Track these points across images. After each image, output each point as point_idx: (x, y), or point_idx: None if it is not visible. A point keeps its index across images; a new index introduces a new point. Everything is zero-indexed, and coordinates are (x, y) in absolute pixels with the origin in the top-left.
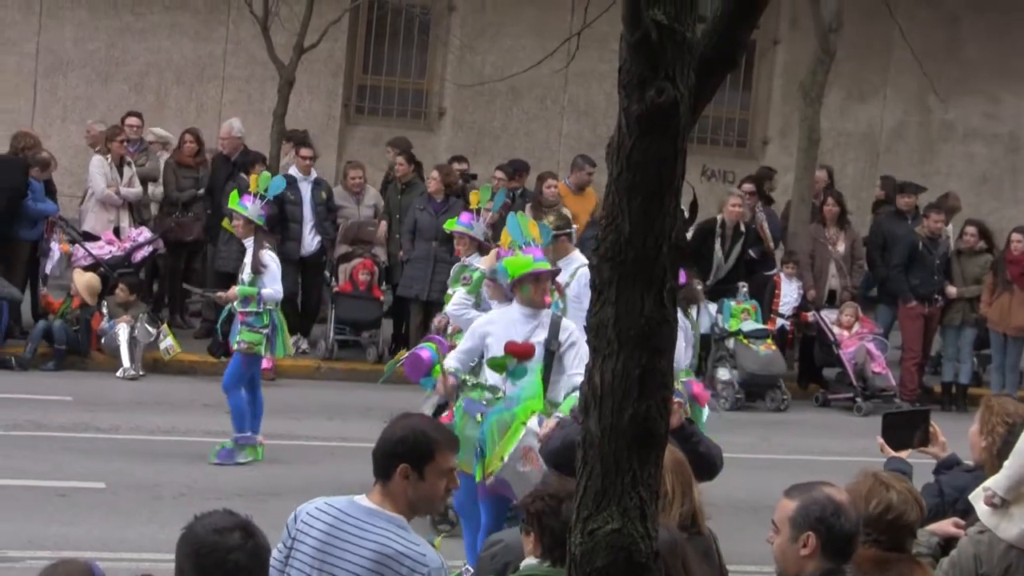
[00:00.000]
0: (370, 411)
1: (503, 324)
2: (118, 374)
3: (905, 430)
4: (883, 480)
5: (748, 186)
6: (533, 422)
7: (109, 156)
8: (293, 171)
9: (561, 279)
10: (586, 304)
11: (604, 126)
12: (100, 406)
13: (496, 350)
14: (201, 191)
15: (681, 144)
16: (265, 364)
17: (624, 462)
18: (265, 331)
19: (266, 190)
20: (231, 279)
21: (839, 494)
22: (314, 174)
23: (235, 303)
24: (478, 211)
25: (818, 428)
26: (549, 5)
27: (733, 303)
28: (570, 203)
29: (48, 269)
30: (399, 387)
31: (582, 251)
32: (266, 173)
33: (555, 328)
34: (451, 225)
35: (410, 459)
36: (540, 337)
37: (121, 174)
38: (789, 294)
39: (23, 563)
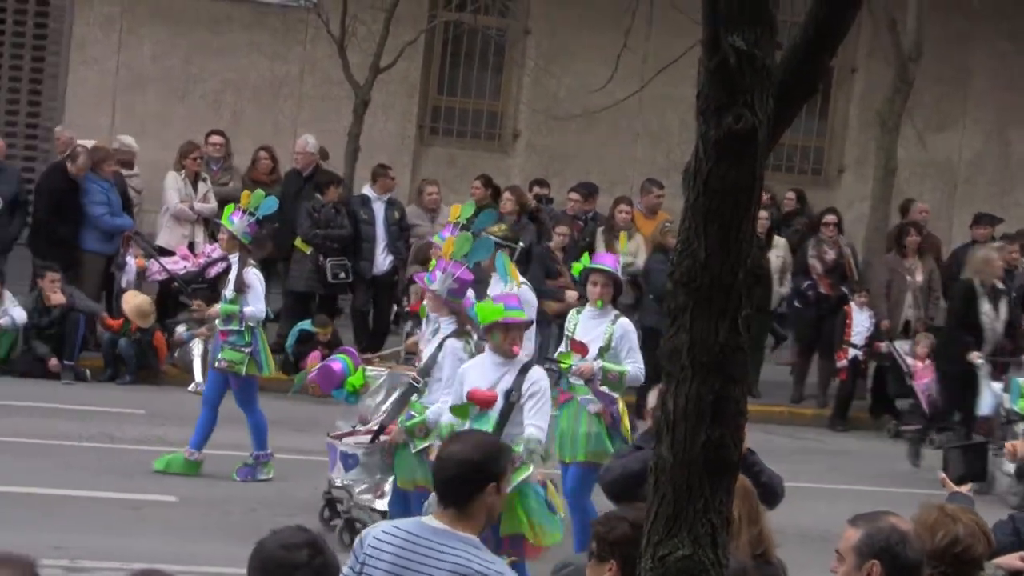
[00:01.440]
0: None
1: (476, 370)
2: (190, 388)
3: (964, 464)
4: (949, 512)
5: (831, 217)
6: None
7: (183, 172)
8: (367, 191)
9: (492, 292)
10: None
11: (677, 151)
12: (172, 420)
13: (462, 396)
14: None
15: (759, 171)
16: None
17: (696, 488)
18: (247, 350)
19: (256, 208)
20: (303, 299)
21: (904, 524)
22: (387, 194)
23: (217, 321)
24: (457, 225)
25: (889, 458)
26: (623, 29)
27: (1022, 380)
28: (642, 226)
29: (124, 283)
30: (306, 399)
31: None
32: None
33: (520, 378)
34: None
35: (497, 477)
36: (505, 385)
37: (196, 190)
38: (861, 323)
39: (95, 574)
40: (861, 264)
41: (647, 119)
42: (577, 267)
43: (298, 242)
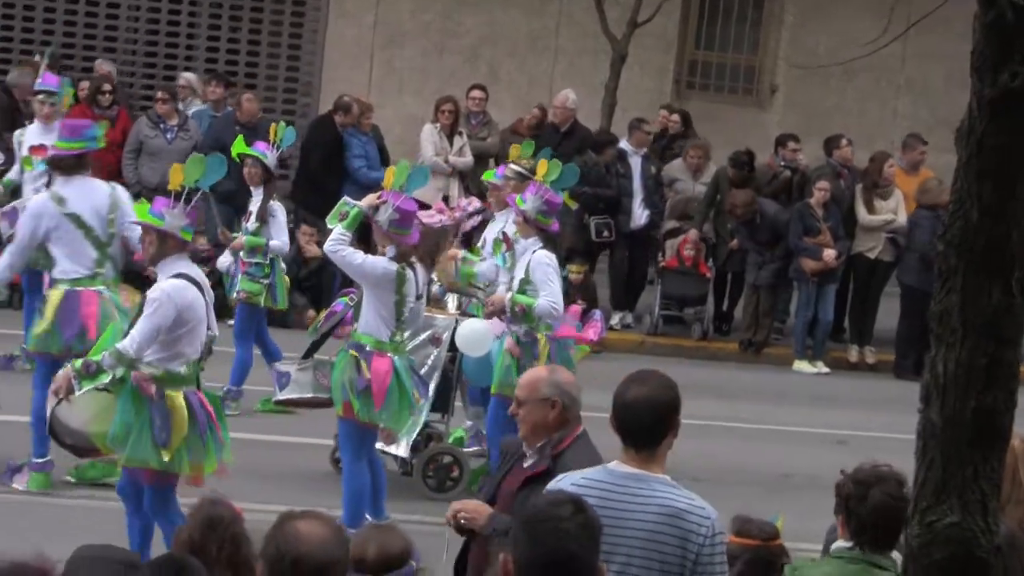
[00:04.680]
0: (691, 388)
1: None
2: None
3: None
4: None
5: None
6: None
7: (439, 125)
8: (624, 145)
9: (508, 230)
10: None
11: (942, 107)
12: None
13: None
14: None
15: None
16: (592, 335)
17: (966, 455)
18: (266, 281)
19: (281, 140)
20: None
21: None
22: (644, 149)
23: (241, 253)
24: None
25: None
26: None
27: None
28: (902, 183)
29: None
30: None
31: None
32: (282, 123)
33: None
34: (488, 176)
35: (678, 412)
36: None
37: (451, 143)
38: None
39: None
40: None
41: (910, 73)
42: (487, 174)
43: (565, 197)
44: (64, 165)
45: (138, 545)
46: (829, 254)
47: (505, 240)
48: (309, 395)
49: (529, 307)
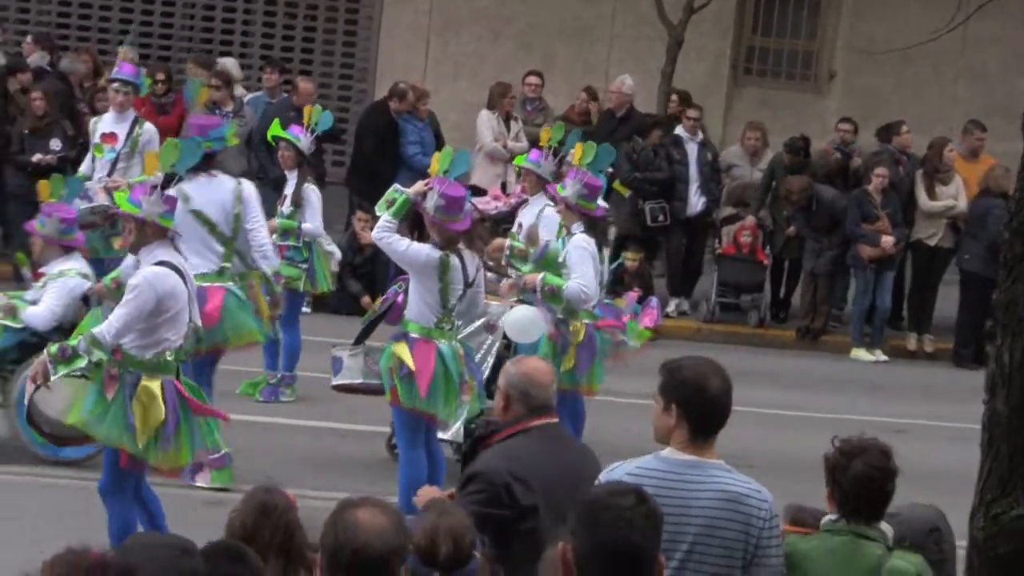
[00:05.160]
0: (747, 376)
1: None
2: None
3: None
4: None
5: None
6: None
7: (496, 112)
8: (680, 131)
9: (526, 220)
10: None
11: (1000, 92)
12: None
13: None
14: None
15: None
16: (648, 322)
17: None
18: (304, 266)
19: (316, 124)
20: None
21: None
22: (700, 135)
23: (274, 236)
24: (548, 149)
25: None
26: None
27: None
28: (961, 169)
29: None
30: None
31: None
32: (318, 107)
33: None
34: (519, 161)
35: None
36: None
37: (508, 129)
38: None
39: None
40: None
41: (969, 59)
42: (519, 159)
43: (616, 184)
44: (210, 166)
45: (147, 527)
46: (887, 241)
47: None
48: (359, 381)
49: (559, 288)
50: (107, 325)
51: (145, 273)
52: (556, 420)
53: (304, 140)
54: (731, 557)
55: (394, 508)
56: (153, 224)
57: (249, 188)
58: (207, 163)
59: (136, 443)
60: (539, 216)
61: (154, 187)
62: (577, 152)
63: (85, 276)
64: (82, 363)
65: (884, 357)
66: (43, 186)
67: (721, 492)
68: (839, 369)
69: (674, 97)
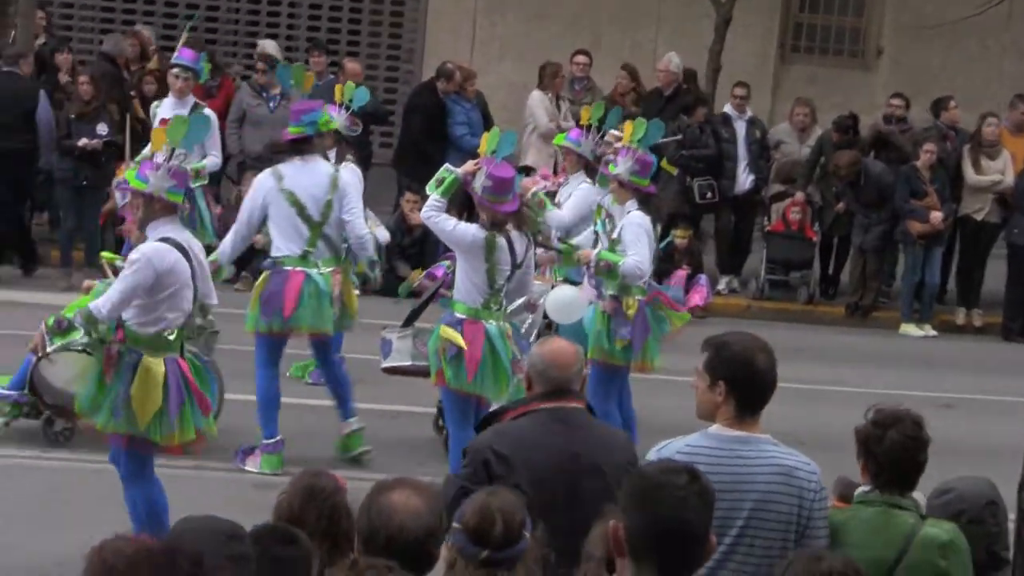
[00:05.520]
0: (797, 352)
1: None
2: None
3: None
4: None
5: None
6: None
7: (549, 92)
8: (728, 109)
9: (564, 199)
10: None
11: None
12: None
13: None
14: None
15: None
16: (698, 300)
17: None
18: (344, 245)
19: (351, 101)
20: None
21: None
22: (749, 112)
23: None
24: (588, 128)
25: None
26: None
27: None
28: (1009, 144)
29: None
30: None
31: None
32: (350, 83)
33: None
34: (559, 140)
35: None
36: None
37: (558, 109)
38: None
39: None
40: None
41: (1015, 33)
42: (558, 138)
43: (664, 163)
44: (277, 150)
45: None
46: (936, 216)
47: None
48: (408, 363)
49: (615, 265)
50: (103, 299)
51: (145, 249)
52: (575, 405)
53: (339, 119)
54: (785, 531)
55: (430, 489)
56: (161, 199)
57: (348, 175)
58: (301, 147)
59: (138, 425)
60: (573, 192)
61: (342, 108)
62: (627, 130)
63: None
64: (77, 336)
65: (933, 332)
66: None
67: (774, 466)
68: (888, 345)
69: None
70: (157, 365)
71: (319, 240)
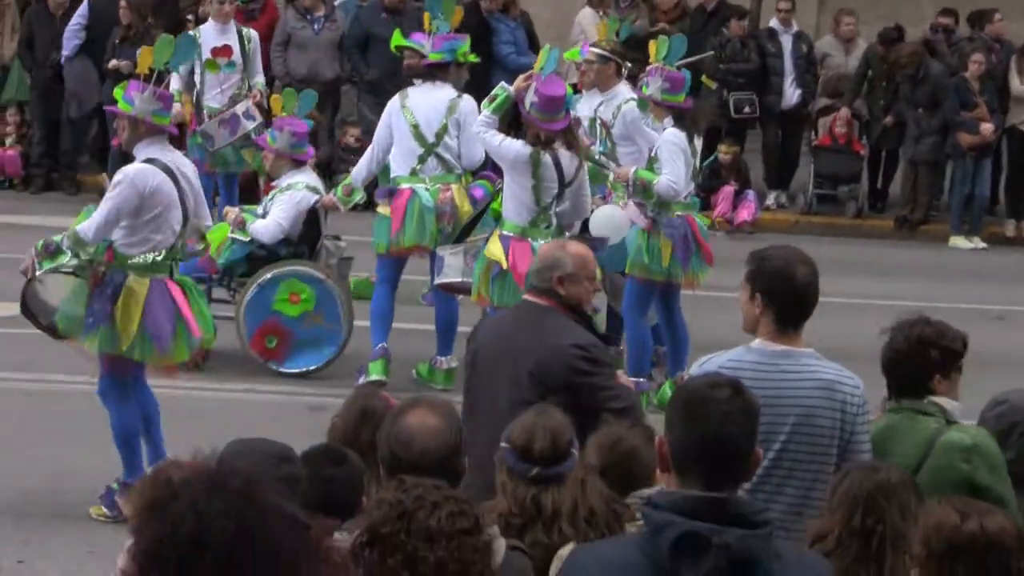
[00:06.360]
0: (846, 266)
1: None
2: None
3: None
4: None
5: None
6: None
7: (599, 10)
8: (773, 23)
9: (604, 114)
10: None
11: None
12: None
13: None
14: None
15: None
16: (746, 215)
17: None
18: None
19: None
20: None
21: None
22: (795, 26)
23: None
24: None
25: None
26: None
27: None
28: None
29: None
30: None
31: None
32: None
33: None
34: (573, 55)
35: None
36: None
37: None
38: None
39: None
40: None
41: None
42: (571, 53)
43: (704, 77)
44: (412, 73)
45: (142, 429)
46: (986, 128)
47: (603, 124)
48: (459, 279)
49: (649, 183)
50: (89, 221)
51: (128, 170)
52: (538, 301)
53: (428, 46)
54: (827, 445)
55: (445, 405)
56: (146, 122)
57: (468, 104)
58: (436, 72)
59: (120, 345)
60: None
61: (147, 84)
62: (652, 49)
63: (313, 189)
64: (65, 259)
65: (983, 244)
66: (275, 100)
67: (817, 380)
68: (938, 258)
69: None
70: (141, 286)
71: (430, 158)
